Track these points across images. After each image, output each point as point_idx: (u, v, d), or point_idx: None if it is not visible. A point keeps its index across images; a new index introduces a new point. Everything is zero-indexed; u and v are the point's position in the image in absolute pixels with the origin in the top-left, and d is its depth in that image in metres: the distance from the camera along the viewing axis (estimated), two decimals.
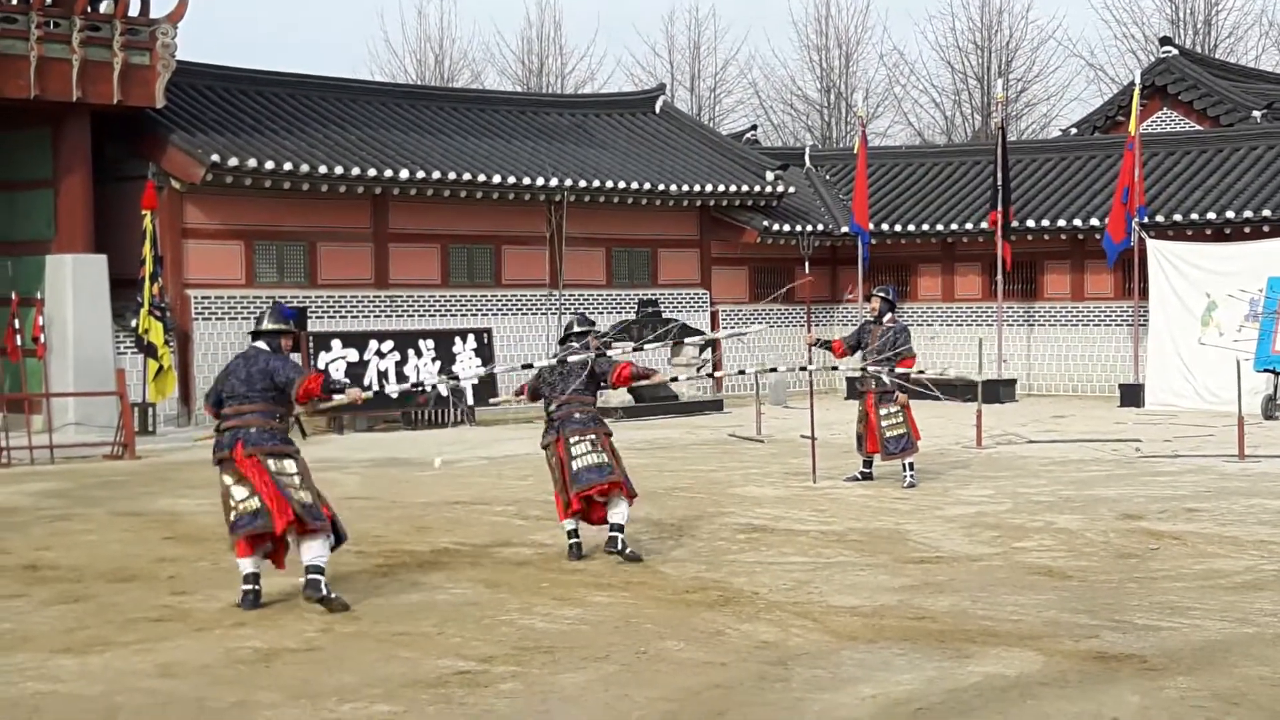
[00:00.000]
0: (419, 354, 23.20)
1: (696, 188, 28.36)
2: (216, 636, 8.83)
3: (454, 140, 26.99)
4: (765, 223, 29.40)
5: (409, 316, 25.29)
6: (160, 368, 20.75)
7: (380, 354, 22.90)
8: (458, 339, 23.95)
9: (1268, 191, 26.63)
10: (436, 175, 24.78)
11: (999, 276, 27.49)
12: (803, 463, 16.61)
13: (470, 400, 23.15)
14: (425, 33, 54.66)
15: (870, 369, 15.07)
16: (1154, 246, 25.92)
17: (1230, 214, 26.30)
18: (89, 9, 21.18)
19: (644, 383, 12.03)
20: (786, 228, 29.56)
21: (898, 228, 30.17)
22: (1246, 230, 26.04)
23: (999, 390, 26.36)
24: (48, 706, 7.43)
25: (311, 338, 22.32)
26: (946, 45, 53.68)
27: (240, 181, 22.97)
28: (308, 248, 24.57)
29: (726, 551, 11.60)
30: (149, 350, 20.74)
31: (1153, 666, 7.87)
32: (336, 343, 22.60)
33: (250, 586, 9.57)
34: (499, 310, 26.55)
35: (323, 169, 23.47)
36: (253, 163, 22.76)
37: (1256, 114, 32.28)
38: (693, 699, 7.38)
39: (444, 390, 11.90)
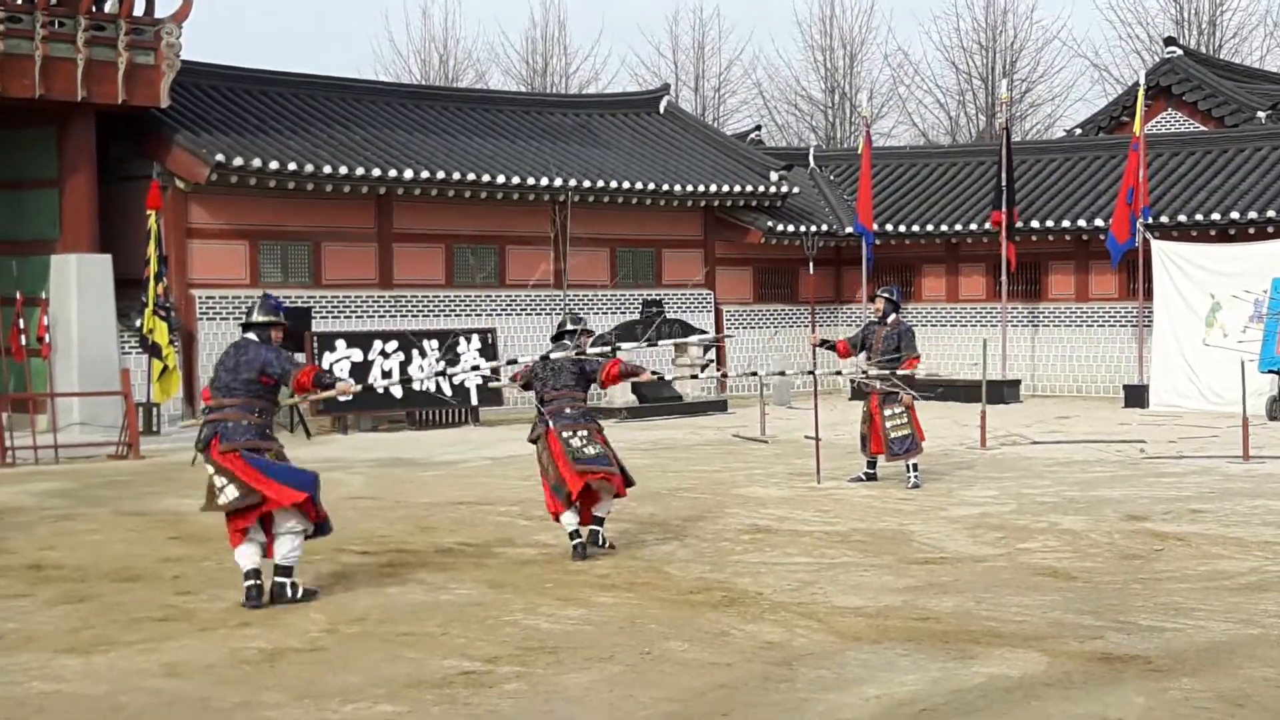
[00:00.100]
0: (423, 354, 23.20)
1: (701, 188, 28.37)
2: (221, 636, 8.84)
3: (458, 140, 27.00)
4: (770, 223, 29.41)
5: (413, 317, 25.31)
6: (165, 368, 20.76)
7: (384, 354, 22.90)
8: (462, 339, 23.95)
9: (1272, 192, 26.62)
10: (441, 175, 24.79)
11: (1003, 277, 27.49)
12: (807, 463, 16.60)
13: (475, 400, 23.17)
14: (430, 33, 54.78)
15: (874, 374, 15.05)
16: (1158, 247, 25.89)
17: (1235, 215, 26.29)
18: (94, 8, 21.20)
19: (634, 380, 12.12)
20: (791, 228, 29.56)
21: (902, 228, 30.17)
22: (1251, 231, 26.02)
23: (1003, 391, 26.34)
24: (52, 706, 7.43)
25: (316, 338, 22.33)
26: (951, 45, 53.75)
27: (245, 181, 22.99)
28: (312, 248, 24.59)
29: (731, 552, 11.59)
30: (153, 350, 20.74)
31: (1157, 668, 7.87)
32: (341, 343, 22.60)
33: (252, 582, 9.61)
34: (503, 310, 26.57)
35: (327, 169, 23.50)
36: (257, 162, 22.79)
37: (1261, 114, 32.24)
38: (697, 699, 7.38)
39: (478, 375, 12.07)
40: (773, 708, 7.24)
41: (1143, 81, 28.27)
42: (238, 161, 22.54)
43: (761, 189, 29.35)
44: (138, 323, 21.17)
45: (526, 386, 11.89)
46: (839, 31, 50.00)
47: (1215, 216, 26.47)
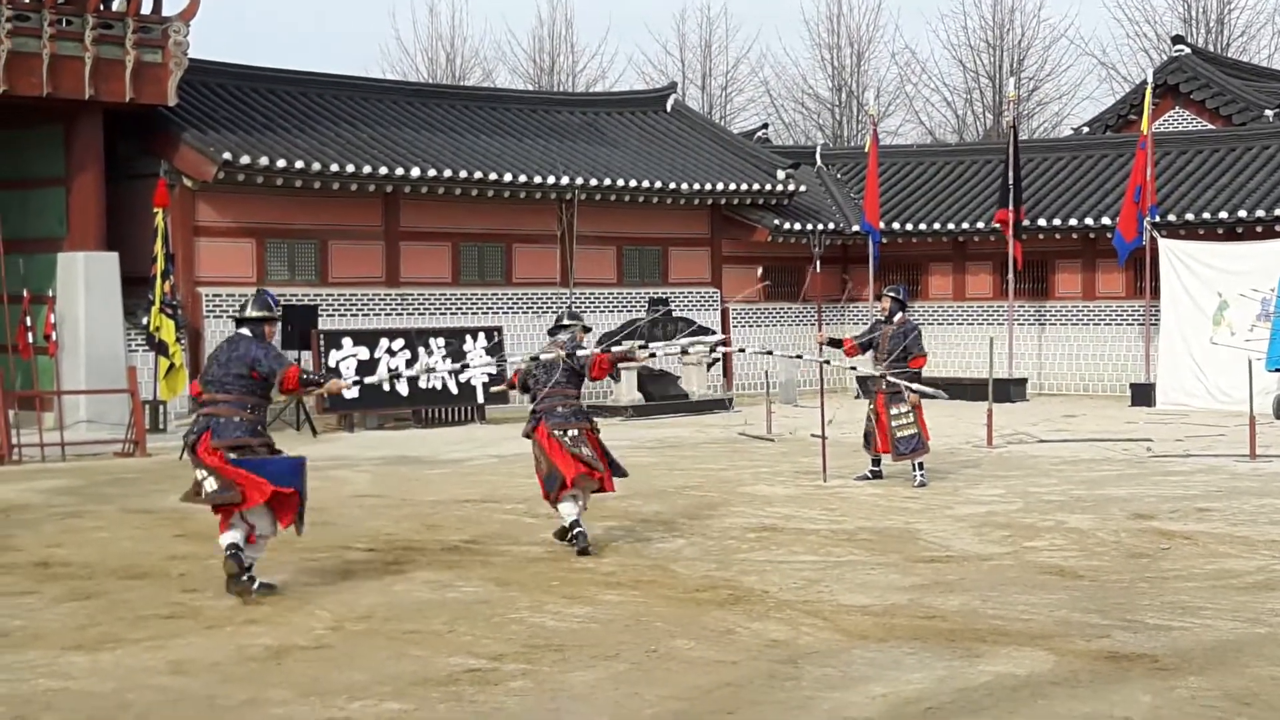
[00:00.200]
0: (430, 352, 23.20)
1: (708, 186, 28.35)
2: (227, 634, 8.84)
3: (465, 138, 27.00)
4: (776, 221, 29.39)
5: (420, 315, 25.32)
6: (171, 365, 20.76)
7: (391, 352, 22.90)
8: (468, 337, 23.95)
9: None
10: (448, 173, 24.79)
11: (1010, 275, 27.47)
12: (813, 461, 16.60)
13: (480, 399, 23.18)
14: (436, 31, 55.01)
15: (886, 374, 15.00)
16: (1165, 245, 25.85)
17: (1242, 213, 26.25)
18: (101, 7, 21.21)
19: (627, 364, 12.24)
20: (798, 226, 29.54)
21: (909, 226, 30.14)
22: (1258, 229, 25.97)
23: (1010, 389, 26.33)
24: (59, 703, 7.44)
25: (322, 336, 22.34)
26: (958, 44, 53.69)
27: (252, 179, 23.00)
28: (319, 246, 24.60)
29: (737, 550, 11.59)
30: (160, 348, 20.75)
31: (1164, 666, 7.86)
32: (347, 341, 22.61)
33: (233, 552, 9.71)
34: (509, 308, 26.57)
35: (334, 167, 23.50)
36: (264, 161, 22.80)
37: (1269, 113, 32.19)
38: (703, 697, 7.38)
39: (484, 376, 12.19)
40: (778, 706, 7.23)
41: (1150, 80, 28.21)
42: (245, 160, 22.56)
43: (768, 187, 29.33)
44: (145, 320, 21.19)
45: (524, 387, 12.02)
46: (846, 30, 50.03)
47: (1223, 215, 26.43)
